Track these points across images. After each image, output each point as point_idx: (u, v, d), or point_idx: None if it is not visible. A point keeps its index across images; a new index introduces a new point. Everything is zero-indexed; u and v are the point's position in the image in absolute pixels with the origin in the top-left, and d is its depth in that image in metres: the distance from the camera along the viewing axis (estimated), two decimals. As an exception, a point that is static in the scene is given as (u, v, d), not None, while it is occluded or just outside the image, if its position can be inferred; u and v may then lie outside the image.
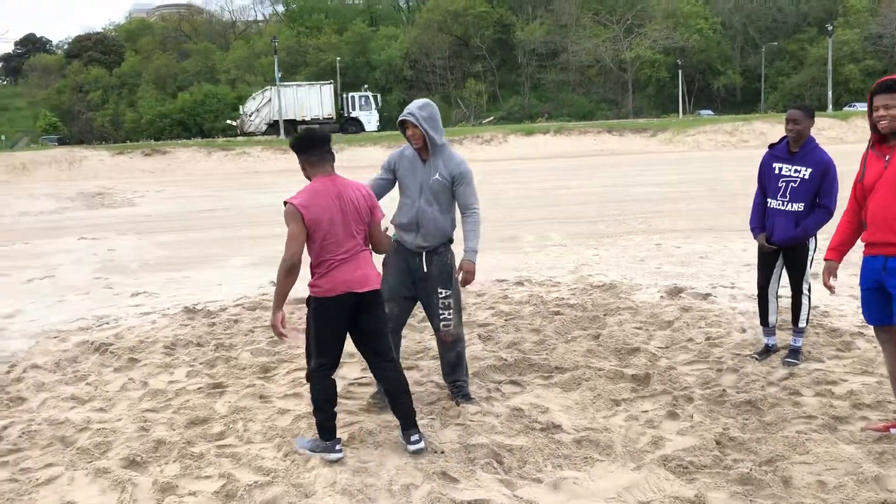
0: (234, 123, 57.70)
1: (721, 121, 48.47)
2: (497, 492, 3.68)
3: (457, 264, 4.81)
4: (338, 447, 4.11)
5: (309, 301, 4.14)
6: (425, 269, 4.72)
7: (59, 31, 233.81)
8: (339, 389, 5.25)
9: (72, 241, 14.40)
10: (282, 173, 38.80)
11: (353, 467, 3.97)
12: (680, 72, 69.33)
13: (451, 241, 4.81)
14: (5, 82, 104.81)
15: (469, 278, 4.74)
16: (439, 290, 4.71)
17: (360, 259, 4.12)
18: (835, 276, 4.35)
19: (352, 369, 5.76)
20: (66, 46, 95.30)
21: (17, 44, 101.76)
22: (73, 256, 12.46)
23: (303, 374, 5.67)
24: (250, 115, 55.08)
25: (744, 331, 6.29)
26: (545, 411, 4.68)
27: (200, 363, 6.05)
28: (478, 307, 7.50)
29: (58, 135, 69.61)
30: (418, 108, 4.59)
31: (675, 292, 7.80)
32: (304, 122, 52.59)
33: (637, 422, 4.52)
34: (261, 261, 11.19)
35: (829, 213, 5.32)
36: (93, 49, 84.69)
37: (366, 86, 64.15)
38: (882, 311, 4.06)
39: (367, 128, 53.55)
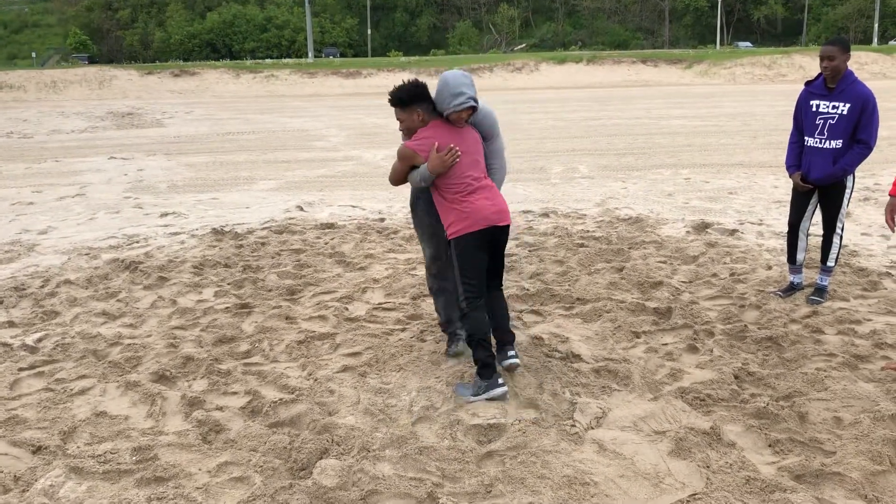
0: None
1: (759, 53, 47.07)
2: (514, 416, 3.75)
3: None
4: (500, 380, 3.94)
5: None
6: None
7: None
8: (363, 313, 5.35)
9: (102, 161, 14.56)
10: (309, 98, 38.58)
11: (376, 388, 4.07)
12: (719, 1, 67.06)
13: None
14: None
15: None
16: None
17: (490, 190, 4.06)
18: None
19: (375, 294, 5.83)
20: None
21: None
22: (103, 176, 12.60)
23: (328, 297, 5.77)
24: None
25: (769, 268, 6.25)
26: (565, 341, 4.73)
27: (228, 284, 6.17)
28: (502, 237, 7.51)
29: (87, 53, 69.46)
30: (471, 85, 4.00)
31: (702, 227, 7.74)
32: None
33: (656, 354, 4.56)
34: (288, 185, 11.24)
35: (868, 149, 5.13)
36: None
37: None
38: None
39: None
